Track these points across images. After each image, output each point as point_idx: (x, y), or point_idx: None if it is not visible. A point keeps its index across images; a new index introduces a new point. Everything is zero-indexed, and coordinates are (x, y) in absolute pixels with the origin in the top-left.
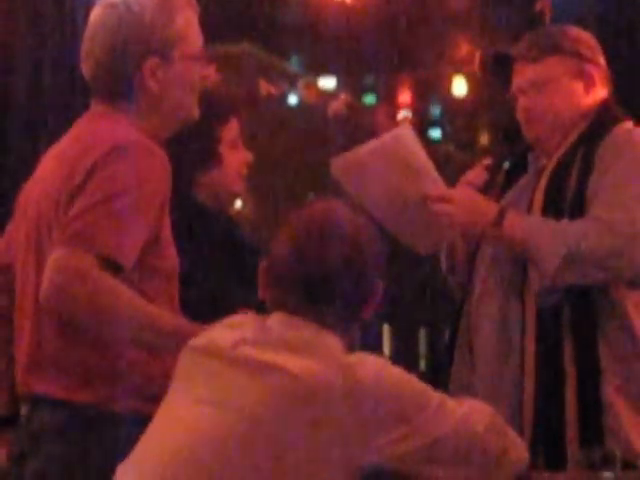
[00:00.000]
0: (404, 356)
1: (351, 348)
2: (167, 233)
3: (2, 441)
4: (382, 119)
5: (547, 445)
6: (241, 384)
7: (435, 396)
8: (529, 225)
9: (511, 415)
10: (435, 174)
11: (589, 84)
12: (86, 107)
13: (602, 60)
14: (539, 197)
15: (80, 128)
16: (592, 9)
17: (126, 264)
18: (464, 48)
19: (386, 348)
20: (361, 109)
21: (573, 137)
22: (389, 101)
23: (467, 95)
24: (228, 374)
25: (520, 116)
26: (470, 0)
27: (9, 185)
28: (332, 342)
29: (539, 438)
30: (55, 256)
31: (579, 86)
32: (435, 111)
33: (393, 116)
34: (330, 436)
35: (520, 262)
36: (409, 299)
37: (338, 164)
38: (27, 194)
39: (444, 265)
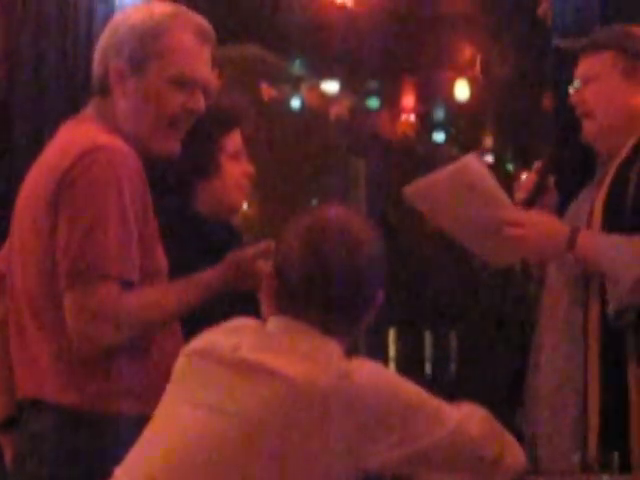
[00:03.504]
0: (409, 359)
1: (352, 352)
2: (151, 234)
3: (7, 442)
4: (385, 123)
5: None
6: (240, 389)
7: (431, 401)
8: (602, 246)
9: (575, 432)
10: (506, 198)
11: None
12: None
13: None
14: (599, 207)
15: (57, 137)
16: (594, 12)
17: (134, 277)
18: (467, 52)
19: (392, 351)
20: (364, 113)
21: (631, 142)
22: (392, 105)
23: (470, 98)
24: (227, 378)
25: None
26: (473, 4)
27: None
28: (332, 348)
29: (605, 445)
30: (68, 300)
31: (628, 85)
32: (439, 115)
33: (396, 120)
34: (327, 442)
35: (583, 275)
36: (415, 303)
37: (410, 191)
38: (17, 204)
39: (520, 274)
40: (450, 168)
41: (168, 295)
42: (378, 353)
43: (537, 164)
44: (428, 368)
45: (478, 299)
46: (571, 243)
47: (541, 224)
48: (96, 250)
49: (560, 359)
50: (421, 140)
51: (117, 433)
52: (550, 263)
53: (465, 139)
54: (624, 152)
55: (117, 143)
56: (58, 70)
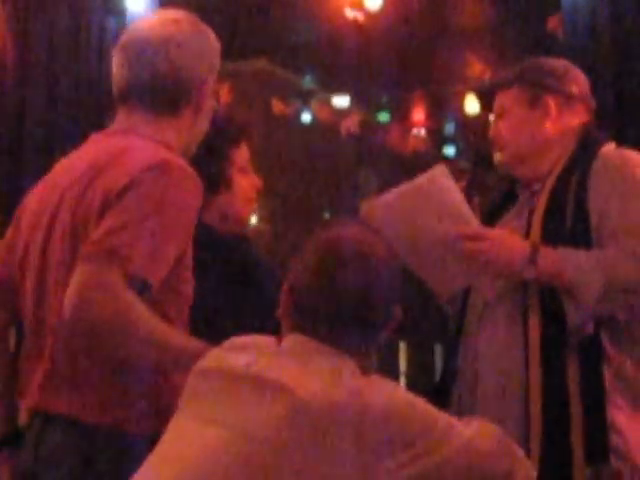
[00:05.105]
0: (420, 372)
1: (368, 369)
2: (189, 257)
3: (2, 459)
4: (395, 137)
5: (555, 466)
6: (250, 406)
7: (442, 419)
8: (563, 259)
9: (517, 436)
10: (470, 214)
11: (545, 113)
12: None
13: (574, 89)
14: (537, 226)
15: (108, 142)
16: (605, 25)
17: (154, 283)
18: (477, 66)
19: (402, 364)
20: (374, 127)
21: (561, 164)
22: (403, 119)
23: (480, 112)
24: (238, 395)
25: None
26: (484, 18)
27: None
28: (346, 366)
29: (547, 459)
30: (84, 270)
31: (535, 114)
32: (449, 129)
33: (407, 134)
34: (338, 460)
35: (522, 288)
36: (424, 315)
37: (369, 207)
38: (37, 205)
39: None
40: (415, 181)
41: (161, 324)
42: (389, 367)
43: (462, 183)
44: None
45: None
46: (533, 258)
47: (502, 239)
48: (126, 240)
49: (501, 374)
50: (431, 154)
51: (134, 451)
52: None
53: (474, 153)
54: (554, 174)
55: (181, 161)
56: (70, 83)
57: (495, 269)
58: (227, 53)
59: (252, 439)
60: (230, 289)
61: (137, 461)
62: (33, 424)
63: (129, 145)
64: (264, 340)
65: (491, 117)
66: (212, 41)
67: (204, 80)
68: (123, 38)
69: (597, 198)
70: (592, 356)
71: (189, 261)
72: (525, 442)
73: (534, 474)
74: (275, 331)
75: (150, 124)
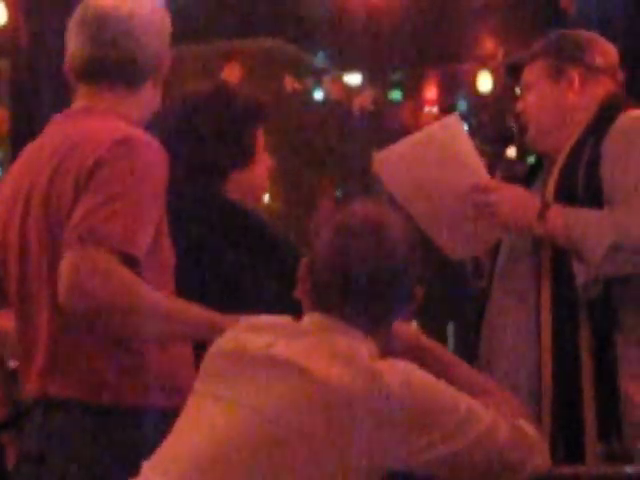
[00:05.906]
0: None
1: (384, 350)
2: (164, 225)
3: (6, 440)
4: (408, 115)
5: (566, 436)
6: (269, 388)
7: (462, 402)
8: (573, 216)
9: (529, 406)
10: (481, 166)
11: (568, 85)
12: None
13: (599, 60)
14: (551, 189)
15: (72, 124)
16: (616, 3)
17: (140, 256)
18: (490, 44)
19: None
20: (387, 105)
21: (579, 133)
22: (415, 97)
23: (493, 90)
24: (257, 377)
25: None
26: None
27: None
28: (364, 347)
29: (558, 430)
30: (70, 256)
31: (559, 87)
32: (461, 107)
33: (419, 112)
34: (355, 442)
35: (535, 255)
36: (437, 294)
37: (381, 157)
38: (11, 189)
39: (470, 272)
40: (428, 129)
41: (162, 297)
42: None
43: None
44: None
45: None
46: (542, 214)
47: (513, 192)
48: (105, 218)
49: (513, 343)
50: None
51: (146, 428)
52: (498, 260)
53: (488, 131)
54: (570, 142)
55: (143, 133)
56: None
57: (504, 222)
58: (238, 31)
59: (270, 420)
60: (254, 263)
61: (150, 440)
62: (36, 408)
63: (93, 124)
64: (282, 321)
65: (517, 91)
66: (166, 16)
67: (163, 55)
68: (80, 13)
69: (609, 162)
70: (604, 322)
71: (165, 228)
72: (537, 416)
73: (547, 461)
74: (295, 309)
75: (112, 100)
